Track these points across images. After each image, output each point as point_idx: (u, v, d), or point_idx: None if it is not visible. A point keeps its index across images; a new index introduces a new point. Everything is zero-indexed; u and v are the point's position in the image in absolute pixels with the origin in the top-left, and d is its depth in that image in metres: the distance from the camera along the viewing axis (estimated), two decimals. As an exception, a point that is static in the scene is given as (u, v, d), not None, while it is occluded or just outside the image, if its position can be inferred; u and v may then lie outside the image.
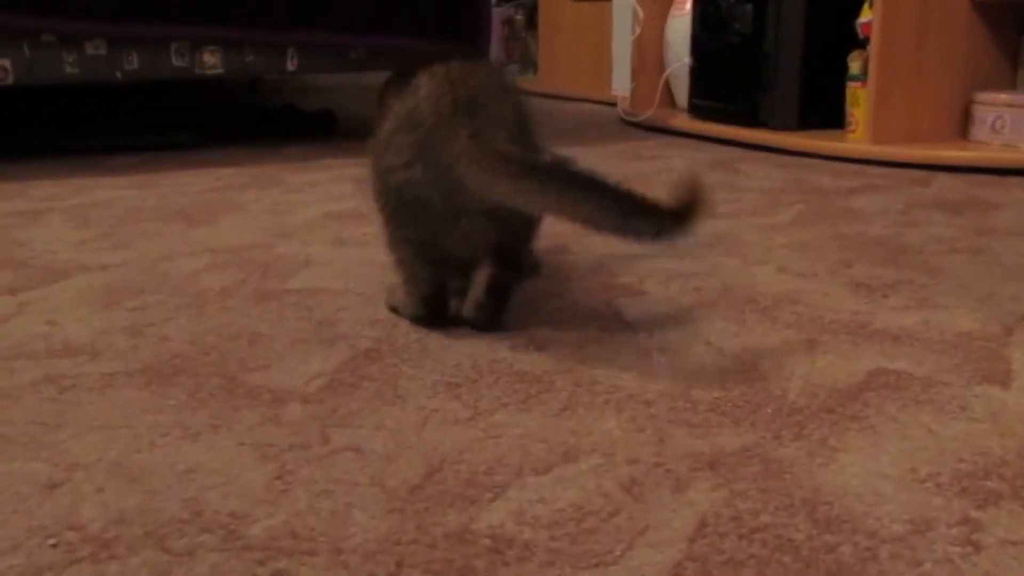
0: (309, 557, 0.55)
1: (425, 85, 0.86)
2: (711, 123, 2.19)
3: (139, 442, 0.69)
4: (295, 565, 0.54)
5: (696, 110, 2.29)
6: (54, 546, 0.56)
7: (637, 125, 2.45)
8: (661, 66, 2.48)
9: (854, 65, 1.93)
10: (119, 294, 1.05)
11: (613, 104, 2.73)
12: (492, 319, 0.91)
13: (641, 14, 2.43)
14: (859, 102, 1.92)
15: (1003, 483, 0.62)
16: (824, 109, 2.04)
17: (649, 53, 2.48)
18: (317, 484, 0.63)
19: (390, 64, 2.06)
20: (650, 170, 1.81)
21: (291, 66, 1.90)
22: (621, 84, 2.48)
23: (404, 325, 0.93)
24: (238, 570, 0.53)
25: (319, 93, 3.27)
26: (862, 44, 1.92)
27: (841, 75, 1.96)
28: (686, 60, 2.31)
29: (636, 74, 2.48)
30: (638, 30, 2.44)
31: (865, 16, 1.90)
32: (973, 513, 0.59)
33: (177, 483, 0.63)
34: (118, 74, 1.80)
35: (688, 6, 2.30)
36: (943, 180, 1.68)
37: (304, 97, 3.01)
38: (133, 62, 1.80)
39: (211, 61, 1.85)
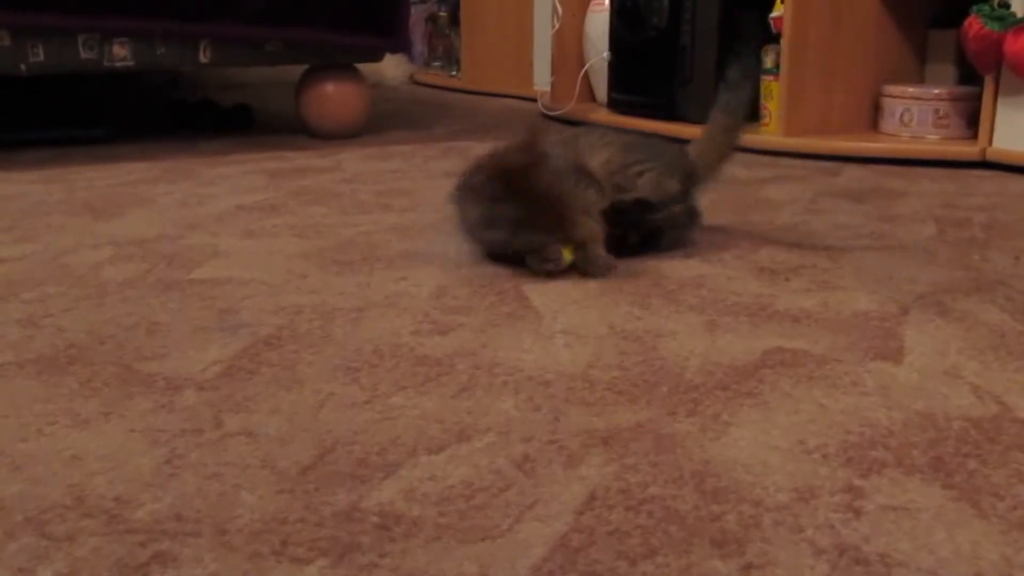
0: (193, 539, 0.54)
1: None
2: (630, 117, 2.21)
3: (26, 431, 0.67)
4: (177, 547, 0.53)
5: (615, 104, 2.31)
6: (-73, 534, 0.54)
7: (557, 119, 2.46)
8: (581, 60, 2.49)
9: (767, 59, 1.96)
10: (17, 286, 1.02)
11: (536, 100, 2.74)
12: None
13: (560, 9, 2.44)
14: (772, 96, 1.95)
15: (887, 452, 0.63)
16: (740, 103, 2.07)
17: (569, 48, 2.49)
18: (207, 468, 0.62)
19: (306, 57, 2.04)
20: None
21: (204, 59, 1.87)
22: (541, 79, 2.49)
23: (308, 312, 0.92)
24: (119, 553, 0.52)
25: (241, 89, 3.22)
26: (775, 39, 1.95)
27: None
28: (605, 55, 2.32)
29: (556, 68, 2.49)
30: (557, 25, 2.45)
31: (778, 11, 1.93)
32: (856, 481, 0.60)
33: (62, 470, 0.62)
34: (23, 67, 1.75)
35: (607, 1, 2.32)
36: (852, 171, 1.72)
37: (227, 92, 2.96)
38: (39, 54, 1.75)
39: (121, 54, 1.81)
